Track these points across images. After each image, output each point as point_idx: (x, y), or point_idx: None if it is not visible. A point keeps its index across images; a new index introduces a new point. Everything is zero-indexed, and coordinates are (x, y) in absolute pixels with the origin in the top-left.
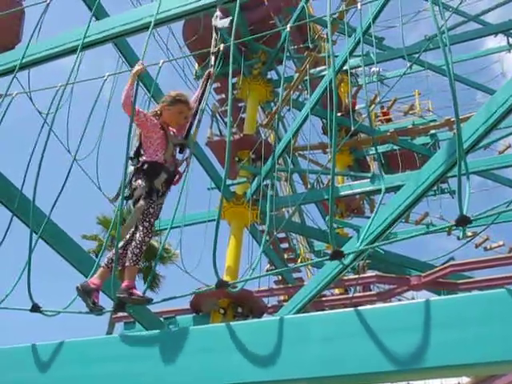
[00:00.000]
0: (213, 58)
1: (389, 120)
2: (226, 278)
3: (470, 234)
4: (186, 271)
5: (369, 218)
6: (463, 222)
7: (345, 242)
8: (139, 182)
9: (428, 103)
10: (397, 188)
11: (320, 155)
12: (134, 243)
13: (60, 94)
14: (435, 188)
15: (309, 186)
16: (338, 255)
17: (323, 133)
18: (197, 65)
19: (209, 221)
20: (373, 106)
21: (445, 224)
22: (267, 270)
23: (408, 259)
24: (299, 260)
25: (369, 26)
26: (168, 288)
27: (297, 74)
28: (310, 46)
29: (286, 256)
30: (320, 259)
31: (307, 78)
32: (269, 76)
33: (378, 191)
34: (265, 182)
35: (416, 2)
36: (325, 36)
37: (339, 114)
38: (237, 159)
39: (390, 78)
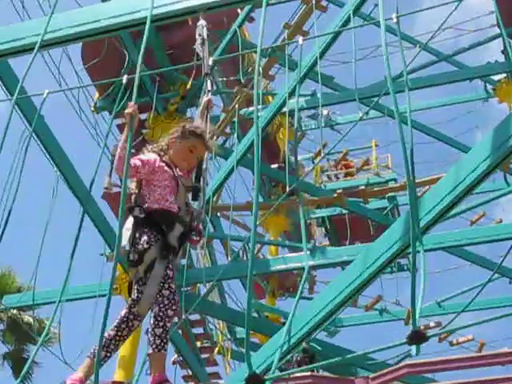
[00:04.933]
0: (208, 83)
1: (349, 174)
2: (118, 372)
3: (432, 324)
4: (64, 362)
5: (308, 299)
6: (416, 339)
7: (274, 330)
8: (146, 238)
9: (387, 157)
10: (344, 263)
11: (249, 217)
12: (154, 321)
13: None
14: (392, 264)
15: (232, 256)
16: (256, 379)
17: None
18: (97, 94)
19: (100, 295)
20: (318, 158)
21: (400, 311)
22: (173, 362)
23: (353, 355)
24: (216, 349)
25: (315, 61)
26: (44, 380)
27: (223, 115)
28: (242, 80)
29: (199, 344)
30: None
31: (236, 119)
32: (189, 114)
33: (322, 266)
34: None
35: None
36: (260, 68)
37: (275, 166)
38: None
39: (341, 123)
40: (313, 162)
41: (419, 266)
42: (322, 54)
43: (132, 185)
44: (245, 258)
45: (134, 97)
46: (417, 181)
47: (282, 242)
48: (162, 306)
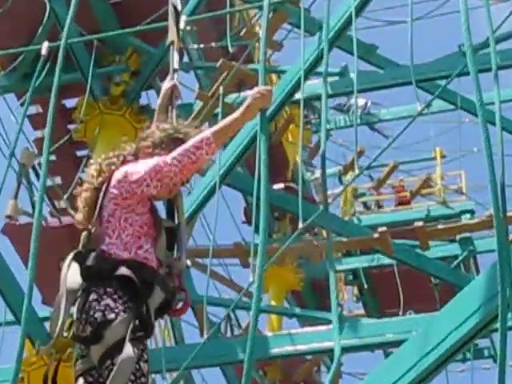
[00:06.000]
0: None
1: (403, 202)
2: None
3: None
4: None
5: None
6: None
7: None
8: (110, 303)
9: (460, 176)
10: (389, 345)
11: (237, 267)
12: None
13: None
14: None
15: (209, 331)
16: None
17: (245, 220)
18: None
19: None
20: (350, 174)
21: None
22: None
23: None
24: None
25: (348, 20)
26: None
27: (200, 103)
28: (230, 48)
29: None
30: None
31: (219, 110)
32: (143, 100)
33: (353, 348)
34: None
35: None
36: (259, 31)
37: (281, 187)
38: None
39: (387, 120)
40: (340, 182)
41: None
42: (361, 8)
43: (79, 214)
44: (228, 333)
45: (56, 75)
46: (510, 214)
47: (288, 308)
48: None
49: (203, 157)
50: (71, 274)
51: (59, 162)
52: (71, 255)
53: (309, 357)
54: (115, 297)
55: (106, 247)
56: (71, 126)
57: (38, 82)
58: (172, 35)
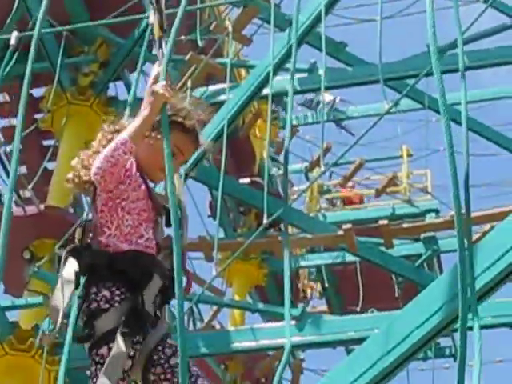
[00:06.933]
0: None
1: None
2: None
3: None
4: None
5: None
6: None
7: None
8: (107, 294)
9: (425, 175)
10: (351, 342)
11: (202, 263)
12: None
13: None
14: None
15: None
16: None
17: (211, 214)
18: None
19: None
20: (316, 170)
21: None
22: None
23: None
24: None
25: (318, 17)
26: None
27: None
28: (200, 41)
29: None
30: None
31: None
32: (111, 92)
33: (314, 345)
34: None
35: None
36: (229, 25)
37: (246, 181)
38: (28, 255)
39: (355, 117)
40: (307, 178)
41: (472, 350)
42: (330, 5)
43: (73, 177)
44: (191, 326)
45: (29, 64)
46: (473, 214)
47: (251, 304)
48: None
49: (122, 157)
50: (68, 269)
51: (25, 151)
52: (67, 250)
53: (271, 352)
54: (113, 289)
55: (106, 239)
56: (38, 116)
57: (6, 71)
58: (157, 32)
